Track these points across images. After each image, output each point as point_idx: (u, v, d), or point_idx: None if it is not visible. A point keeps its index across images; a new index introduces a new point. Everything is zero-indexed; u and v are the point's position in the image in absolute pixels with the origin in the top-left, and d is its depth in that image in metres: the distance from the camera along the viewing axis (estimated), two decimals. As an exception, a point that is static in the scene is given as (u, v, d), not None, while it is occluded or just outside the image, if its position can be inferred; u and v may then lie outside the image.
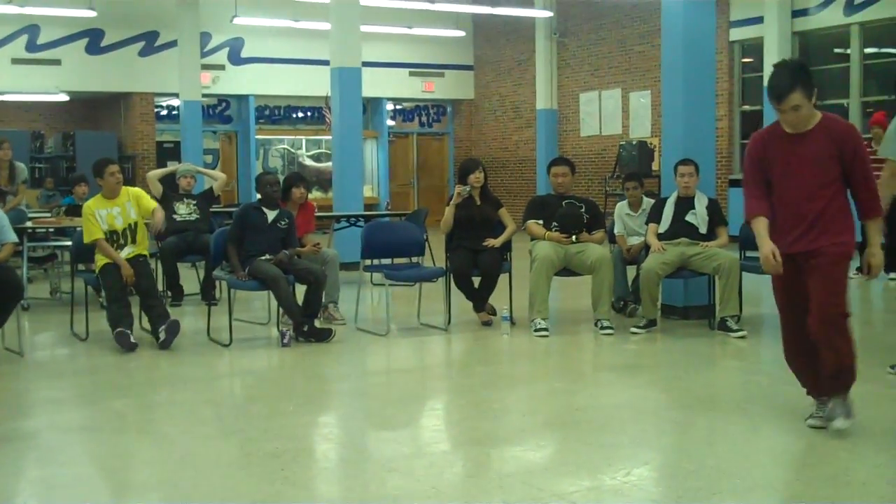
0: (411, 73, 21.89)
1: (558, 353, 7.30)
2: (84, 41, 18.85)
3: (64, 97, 19.03)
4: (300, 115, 21.83)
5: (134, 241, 7.54)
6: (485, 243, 8.00)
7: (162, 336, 7.15)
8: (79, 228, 7.87)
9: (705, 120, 8.48)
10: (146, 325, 7.52)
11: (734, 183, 16.40)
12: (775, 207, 4.73)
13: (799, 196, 4.64)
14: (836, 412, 4.65)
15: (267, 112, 21.41)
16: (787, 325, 4.90)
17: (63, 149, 19.41)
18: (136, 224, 7.58)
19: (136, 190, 7.88)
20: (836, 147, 4.58)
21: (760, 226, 4.70)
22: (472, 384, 6.31)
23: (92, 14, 16.70)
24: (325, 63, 13.46)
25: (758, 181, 4.78)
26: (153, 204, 7.79)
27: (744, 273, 7.73)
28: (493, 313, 8.17)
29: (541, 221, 7.94)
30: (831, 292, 4.59)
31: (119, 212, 7.52)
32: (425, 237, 9.22)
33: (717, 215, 7.92)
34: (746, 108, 16.62)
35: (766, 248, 4.62)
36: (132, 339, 7.10)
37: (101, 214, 7.48)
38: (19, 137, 17.20)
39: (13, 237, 7.18)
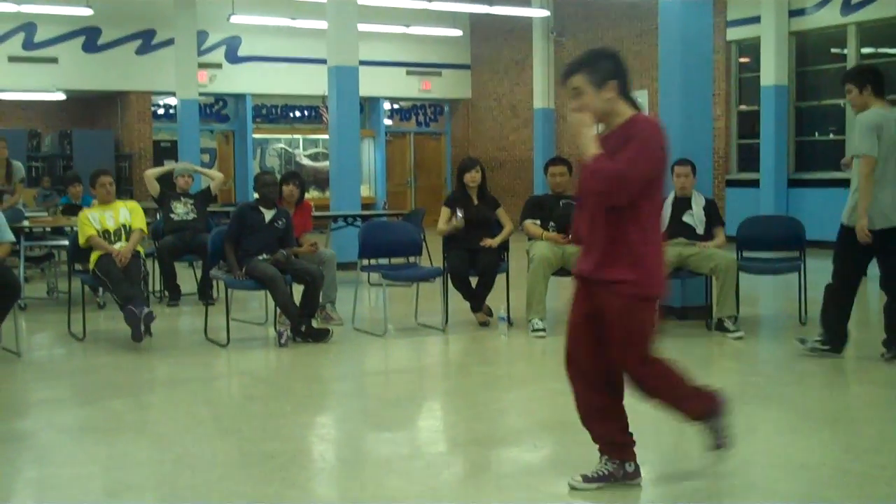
0: (408, 73, 21.88)
1: (556, 353, 7.25)
2: (81, 39, 18.82)
3: (61, 96, 19.00)
4: (297, 114, 21.81)
5: (127, 240, 7.65)
6: (482, 243, 8.00)
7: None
8: (76, 228, 7.91)
9: (702, 120, 8.49)
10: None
11: (731, 183, 16.43)
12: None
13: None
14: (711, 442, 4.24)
15: (264, 111, 21.39)
16: None
17: (60, 148, 19.37)
18: (129, 226, 7.74)
19: (135, 204, 8.07)
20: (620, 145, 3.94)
21: None
22: (470, 385, 6.31)
23: (89, 12, 16.68)
24: (323, 62, 13.45)
25: None
26: (142, 224, 7.84)
27: (741, 273, 7.74)
28: (490, 314, 8.17)
29: (538, 221, 7.94)
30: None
31: (112, 215, 7.75)
32: (422, 237, 9.21)
33: (714, 216, 7.93)
34: (743, 108, 16.62)
35: None
36: (147, 310, 7.08)
37: (93, 217, 7.71)
38: (16, 136, 17.18)
39: (10, 236, 7.19)
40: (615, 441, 4.09)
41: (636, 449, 4.12)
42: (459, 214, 8.06)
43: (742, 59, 16.65)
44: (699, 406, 4.14)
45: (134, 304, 7.08)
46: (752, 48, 16.18)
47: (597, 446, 4.12)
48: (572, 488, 4.04)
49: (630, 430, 4.12)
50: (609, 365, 4.03)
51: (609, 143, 3.93)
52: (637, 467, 4.10)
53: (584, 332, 4.09)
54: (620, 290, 3.86)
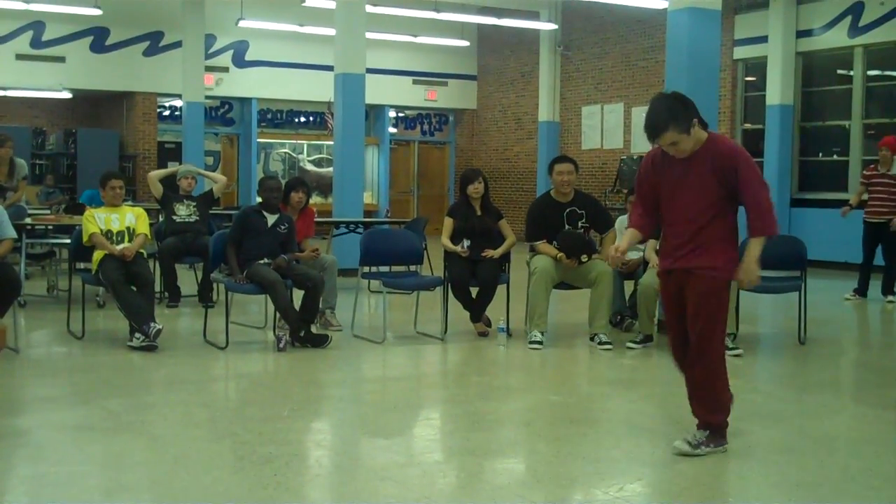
0: (415, 82, 21.94)
1: (554, 365, 7.29)
2: (89, 39, 18.89)
3: (67, 94, 19.05)
4: (302, 119, 21.85)
5: (130, 241, 7.64)
6: (483, 254, 7.99)
7: (137, 342, 7.18)
8: (78, 227, 7.92)
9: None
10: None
11: (734, 201, 16.42)
12: (662, 227, 4.87)
13: (681, 217, 4.71)
14: (694, 441, 4.66)
15: (269, 115, 21.43)
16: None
17: (64, 146, 19.42)
18: (133, 230, 7.75)
19: (141, 210, 8.06)
20: (718, 168, 4.58)
21: (628, 234, 4.95)
22: (467, 394, 6.30)
23: (97, 12, 16.73)
24: (329, 68, 13.49)
25: (645, 200, 4.90)
26: (146, 229, 7.84)
27: (741, 291, 7.72)
28: (489, 325, 8.17)
29: (548, 241, 7.82)
30: (701, 316, 4.66)
31: (118, 217, 7.77)
32: (424, 246, 9.21)
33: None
34: (748, 126, 16.65)
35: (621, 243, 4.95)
36: (156, 328, 7.13)
37: (99, 216, 7.73)
38: (21, 133, 17.23)
39: (12, 233, 7.20)
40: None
41: (632, 464, 4.10)
42: (466, 244, 8.04)
43: (748, 78, 16.67)
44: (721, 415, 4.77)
45: (145, 325, 7.11)
46: (758, 67, 16.21)
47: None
48: (680, 453, 4.59)
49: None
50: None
51: (698, 162, 4.60)
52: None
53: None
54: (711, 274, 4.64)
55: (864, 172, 11.19)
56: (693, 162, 4.60)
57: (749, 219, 4.69)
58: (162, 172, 10.49)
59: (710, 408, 4.73)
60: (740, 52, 16.43)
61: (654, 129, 4.53)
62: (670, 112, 4.50)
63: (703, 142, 4.60)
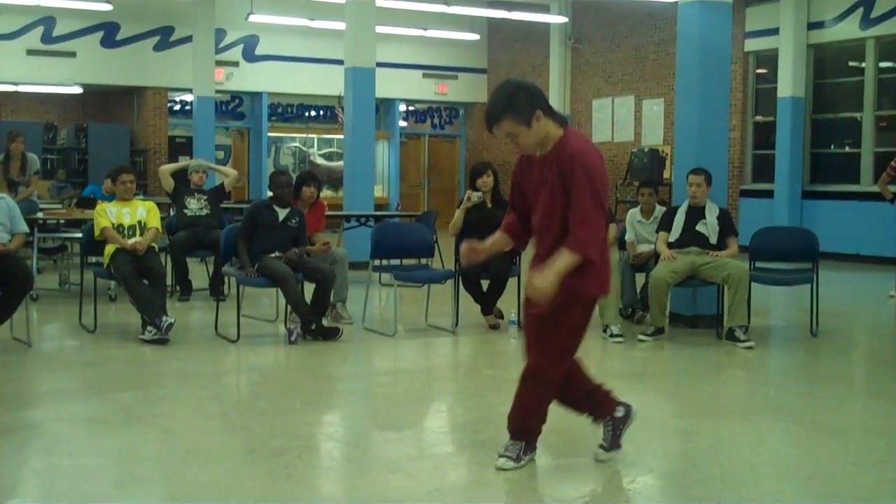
0: (425, 75, 21.92)
1: (565, 358, 7.27)
2: (99, 34, 18.92)
3: (78, 90, 19.09)
4: (313, 113, 21.86)
5: (142, 235, 7.66)
6: (494, 247, 7.98)
7: (149, 335, 7.20)
8: (90, 221, 7.95)
9: (719, 130, 8.46)
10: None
11: (745, 193, 16.40)
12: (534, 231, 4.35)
13: (539, 226, 4.24)
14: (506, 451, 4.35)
15: (280, 110, 21.44)
16: None
17: (76, 141, 19.48)
18: (144, 224, 7.78)
19: (152, 204, 8.08)
20: (560, 171, 4.02)
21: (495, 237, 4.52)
22: (479, 387, 6.31)
23: (108, 7, 16.74)
24: (339, 63, 13.48)
25: (513, 203, 4.44)
26: (157, 223, 7.86)
27: (753, 284, 7.71)
28: (501, 317, 8.17)
29: None
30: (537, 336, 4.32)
31: (129, 211, 7.79)
32: (435, 239, 9.21)
33: (727, 225, 7.90)
34: (759, 118, 16.60)
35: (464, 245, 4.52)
36: (168, 321, 7.15)
37: (111, 211, 7.75)
38: (32, 128, 17.28)
39: (24, 227, 7.25)
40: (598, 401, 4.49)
41: (644, 456, 4.09)
42: (477, 192, 8.07)
43: (759, 70, 16.62)
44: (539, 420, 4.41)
45: (157, 318, 7.13)
46: (769, 59, 16.15)
47: (590, 420, 4.53)
48: (600, 461, 4.42)
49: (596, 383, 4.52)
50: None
51: (548, 164, 4.08)
52: (627, 407, 4.50)
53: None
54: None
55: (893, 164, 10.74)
56: (546, 164, 4.09)
57: (569, 228, 4.00)
58: (173, 166, 10.51)
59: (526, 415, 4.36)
60: (751, 45, 16.37)
61: (489, 116, 4.08)
62: (510, 100, 4.01)
63: (555, 139, 4.07)
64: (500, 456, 4.33)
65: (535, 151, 4.15)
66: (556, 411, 4.41)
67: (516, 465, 4.31)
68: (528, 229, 4.42)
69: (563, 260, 3.98)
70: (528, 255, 8.32)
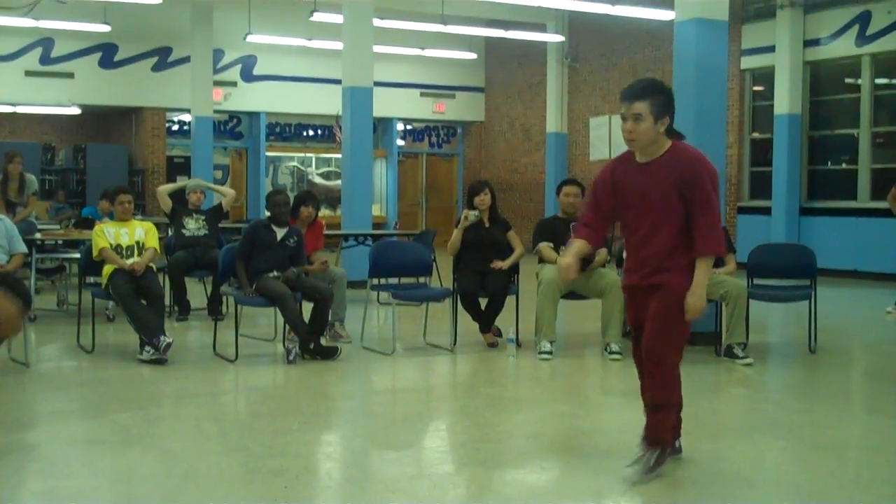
0: (422, 94, 21.98)
1: (564, 376, 7.28)
2: (97, 55, 18.97)
3: (76, 110, 19.13)
4: (311, 132, 21.91)
5: (140, 256, 7.67)
6: (492, 265, 8.00)
7: (147, 355, 7.19)
8: (88, 241, 7.96)
9: (716, 147, 8.47)
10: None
11: (743, 210, 16.43)
12: (625, 238, 4.60)
13: (642, 229, 4.44)
14: (640, 461, 4.42)
15: (278, 129, 21.49)
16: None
17: (74, 161, 19.52)
18: (142, 244, 7.79)
19: (150, 224, 8.10)
20: (680, 176, 4.29)
21: (576, 244, 4.64)
22: (477, 406, 6.29)
23: (106, 28, 16.82)
24: (337, 82, 13.52)
25: (600, 211, 4.64)
26: (155, 243, 7.87)
27: (751, 300, 7.71)
28: (499, 335, 8.17)
29: (552, 245, 7.94)
30: (656, 329, 4.41)
31: (127, 232, 7.81)
32: (433, 258, 9.21)
33: (725, 242, 7.90)
34: (756, 135, 16.63)
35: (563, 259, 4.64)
36: (166, 341, 7.14)
37: (109, 231, 7.77)
38: (31, 149, 17.31)
39: (23, 248, 7.26)
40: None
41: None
42: (474, 211, 8.10)
43: (756, 88, 16.67)
44: (667, 430, 4.51)
45: (154, 338, 7.13)
46: (766, 77, 16.21)
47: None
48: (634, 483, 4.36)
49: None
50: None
51: (659, 169, 4.34)
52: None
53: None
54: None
55: None
56: (655, 170, 4.35)
57: (695, 236, 4.29)
58: (171, 187, 10.52)
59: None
60: (748, 62, 16.43)
61: (636, 86, 4.35)
62: (659, 90, 4.34)
63: (664, 148, 4.36)
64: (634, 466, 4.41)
65: (635, 148, 4.41)
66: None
67: (649, 477, 4.38)
68: (605, 233, 4.75)
69: (703, 271, 4.30)
70: (527, 273, 8.34)
